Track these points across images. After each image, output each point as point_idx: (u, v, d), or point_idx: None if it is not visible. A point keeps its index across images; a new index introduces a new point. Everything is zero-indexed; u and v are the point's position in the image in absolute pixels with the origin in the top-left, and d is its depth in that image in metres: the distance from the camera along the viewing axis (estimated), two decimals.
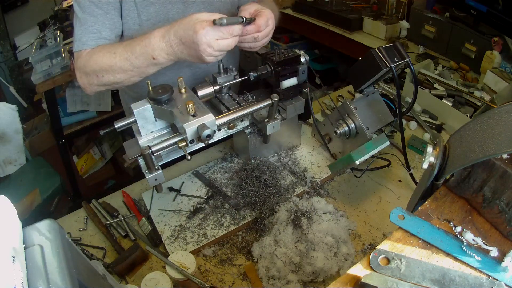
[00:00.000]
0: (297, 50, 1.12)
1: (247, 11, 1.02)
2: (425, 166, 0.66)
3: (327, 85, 2.92)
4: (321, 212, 1.07)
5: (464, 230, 0.62)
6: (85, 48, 1.07)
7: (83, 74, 1.08)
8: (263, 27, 1.01)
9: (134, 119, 0.97)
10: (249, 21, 0.98)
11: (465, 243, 0.60)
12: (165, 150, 0.96)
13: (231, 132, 1.11)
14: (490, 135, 0.60)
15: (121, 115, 1.21)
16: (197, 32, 0.89)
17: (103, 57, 1.03)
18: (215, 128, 0.96)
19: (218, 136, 1.09)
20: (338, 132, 1.16)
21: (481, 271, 0.57)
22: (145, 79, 1.03)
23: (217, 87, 1.08)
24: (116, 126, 0.97)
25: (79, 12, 1.07)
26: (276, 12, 1.31)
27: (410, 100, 1.22)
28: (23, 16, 3.15)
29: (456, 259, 0.59)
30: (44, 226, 0.45)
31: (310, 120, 1.37)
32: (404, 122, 1.43)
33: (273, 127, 1.11)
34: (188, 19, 0.93)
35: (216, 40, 0.90)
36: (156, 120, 1.01)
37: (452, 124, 1.38)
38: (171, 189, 1.20)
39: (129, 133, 1.09)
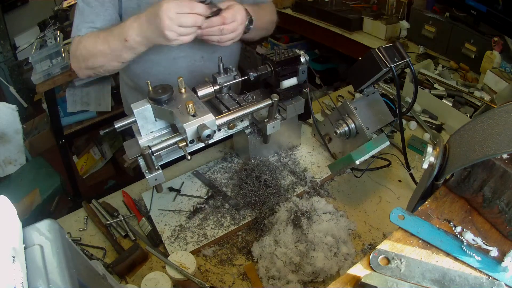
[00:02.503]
0: (297, 50, 1.12)
1: (220, 3, 1.05)
2: (425, 166, 0.66)
3: (327, 85, 2.92)
4: (321, 212, 1.07)
5: (464, 230, 0.62)
6: (78, 34, 1.14)
7: (73, 58, 1.16)
8: (228, 20, 1.03)
9: (134, 119, 0.97)
10: (216, 12, 0.99)
11: (465, 243, 0.60)
12: (165, 150, 0.96)
13: (231, 132, 1.11)
14: (490, 135, 0.60)
15: (121, 115, 1.21)
16: (161, 6, 0.92)
17: (89, 41, 1.10)
18: (215, 128, 0.96)
19: (218, 136, 1.09)
20: (338, 132, 1.16)
21: (481, 271, 0.57)
22: (140, 67, 1.09)
23: (217, 87, 1.08)
24: (116, 126, 0.97)
25: (79, 1, 1.14)
26: (272, 16, 1.33)
27: (410, 100, 1.22)
28: (23, 16, 3.16)
29: (456, 259, 0.59)
30: (44, 226, 0.45)
31: (310, 120, 1.37)
32: (404, 122, 1.43)
33: (273, 127, 1.11)
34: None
35: (177, 13, 0.92)
36: (156, 120, 1.01)
37: (452, 124, 1.38)
38: (171, 189, 1.20)
39: (129, 133, 1.09)
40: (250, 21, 1.17)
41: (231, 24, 1.05)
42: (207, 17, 1.00)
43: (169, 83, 1.18)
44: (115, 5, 1.14)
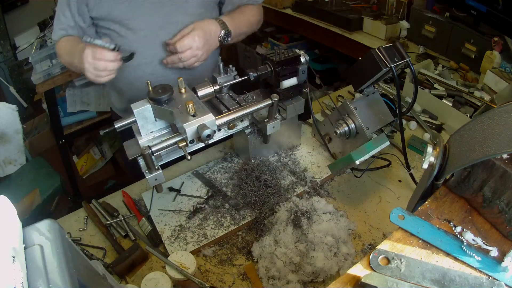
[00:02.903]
0: (297, 50, 1.12)
1: (177, 36, 1.20)
2: (425, 166, 0.66)
3: (327, 85, 2.92)
4: (321, 212, 1.07)
5: (464, 230, 0.62)
6: (55, 39, 1.32)
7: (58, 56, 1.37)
8: (184, 48, 1.16)
9: (134, 119, 0.97)
10: (130, 56, 1.14)
11: (465, 243, 0.60)
12: (165, 150, 0.96)
13: (231, 132, 1.11)
14: (490, 135, 0.60)
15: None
16: (83, 52, 1.09)
17: (60, 49, 1.30)
18: (215, 128, 0.96)
19: (218, 136, 1.09)
20: (338, 132, 1.16)
21: (481, 271, 0.57)
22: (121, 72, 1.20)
23: (217, 87, 1.08)
24: (116, 126, 0.97)
25: (57, 8, 1.28)
26: (256, 18, 1.40)
27: (410, 100, 1.22)
28: (23, 16, 3.15)
29: (456, 259, 0.59)
30: (44, 226, 0.45)
31: (310, 120, 1.37)
32: (404, 122, 1.43)
33: (273, 127, 1.11)
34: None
35: (92, 59, 1.08)
36: (156, 120, 1.01)
37: (452, 124, 1.38)
38: (171, 189, 1.20)
39: (129, 133, 1.11)
40: (227, 34, 1.26)
41: (187, 52, 1.17)
42: (125, 61, 1.13)
43: (135, 88, 1.29)
44: (87, 20, 1.27)
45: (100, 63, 1.08)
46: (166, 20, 1.23)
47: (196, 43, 1.17)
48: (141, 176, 1.00)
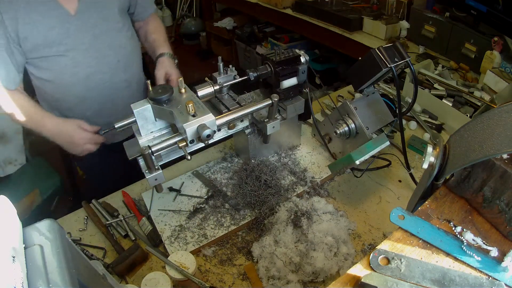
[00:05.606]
0: (297, 50, 1.12)
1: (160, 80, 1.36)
2: (425, 166, 0.66)
3: (327, 85, 2.93)
4: (321, 212, 1.07)
5: (464, 230, 0.62)
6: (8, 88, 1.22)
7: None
8: (173, 76, 1.38)
9: (134, 119, 0.97)
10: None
11: (465, 243, 0.60)
12: (165, 150, 0.96)
13: (231, 132, 1.11)
14: (490, 135, 0.60)
15: None
16: (74, 135, 1.22)
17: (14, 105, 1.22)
18: (215, 128, 0.96)
19: (218, 136, 1.09)
20: (338, 132, 1.16)
21: (481, 271, 0.57)
22: (58, 93, 1.30)
23: (217, 87, 1.08)
24: (116, 126, 0.97)
25: None
26: (162, 26, 1.60)
27: (410, 100, 1.22)
28: None
29: (456, 259, 0.59)
30: (44, 226, 0.45)
31: (310, 120, 1.37)
32: (404, 122, 1.43)
33: (273, 127, 1.11)
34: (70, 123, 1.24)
35: (84, 143, 1.22)
36: (156, 120, 1.01)
37: (452, 124, 1.38)
38: (171, 189, 1.20)
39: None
40: (174, 58, 1.47)
41: (174, 77, 1.38)
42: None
43: (89, 100, 1.34)
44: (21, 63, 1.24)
45: (89, 146, 1.24)
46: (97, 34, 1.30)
47: (171, 70, 1.41)
48: (141, 176, 1.00)
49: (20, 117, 1.23)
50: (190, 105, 0.91)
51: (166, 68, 1.41)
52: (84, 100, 1.35)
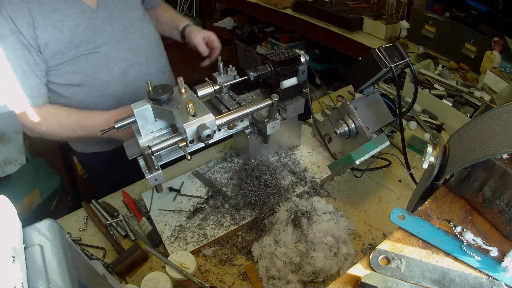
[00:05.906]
0: (297, 50, 1.12)
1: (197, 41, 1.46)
2: (425, 166, 0.66)
3: (327, 85, 2.93)
4: (321, 212, 1.07)
5: (464, 230, 0.62)
6: (32, 105, 1.17)
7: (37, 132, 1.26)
8: (213, 38, 1.48)
9: (134, 119, 0.97)
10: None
11: (465, 243, 0.60)
12: (165, 150, 0.96)
13: (231, 132, 1.11)
14: (490, 135, 0.60)
15: None
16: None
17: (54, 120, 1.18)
18: (215, 128, 0.96)
19: (218, 136, 1.09)
20: (338, 132, 1.16)
21: (481, 271, 0.57)
22: (95, 93, 1.23)
23: (217, 87, 1.08)
24: (116, 126, 0.97)
25: (14, 71, 1.08)
26: (172, 9, 1.64)
27: (410, 100, 1.22)
28: None
29: (456, 259, 0.59)
30: (44, 226, 0.45)
31: (310, 120, 1.37)
32: (404, 122, 1.43)
33: (273, 127, 1.11)
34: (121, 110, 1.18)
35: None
36: (156, 120, 1.00)
37: (452, 124, 1.38)
38: (171, 189, 1.20)
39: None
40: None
41: (214, 37, 1.49)
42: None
43: (126, 97, 1.29)
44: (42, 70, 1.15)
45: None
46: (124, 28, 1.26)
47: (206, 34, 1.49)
48: (140, 176, 1.00)
49: (67, 131, 1.16)
50: (190, 105, 0.91)
51: (201, 32, 1.41)
52: (120, 99, 1.27)
